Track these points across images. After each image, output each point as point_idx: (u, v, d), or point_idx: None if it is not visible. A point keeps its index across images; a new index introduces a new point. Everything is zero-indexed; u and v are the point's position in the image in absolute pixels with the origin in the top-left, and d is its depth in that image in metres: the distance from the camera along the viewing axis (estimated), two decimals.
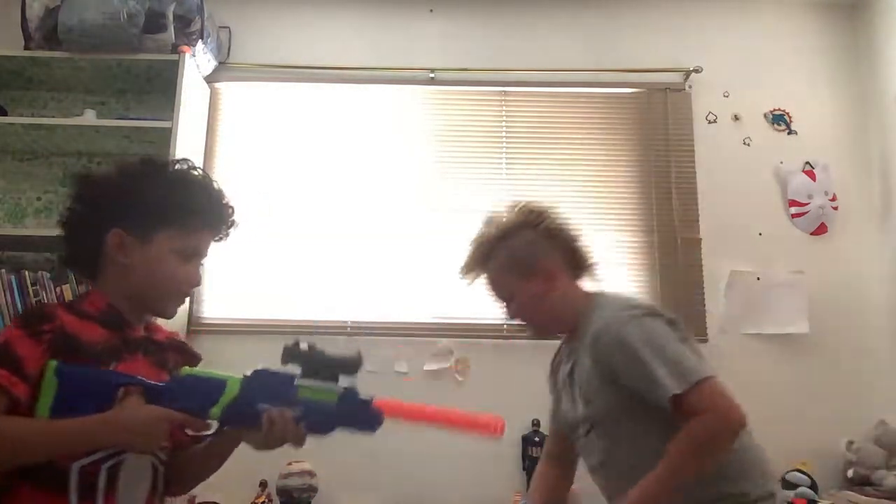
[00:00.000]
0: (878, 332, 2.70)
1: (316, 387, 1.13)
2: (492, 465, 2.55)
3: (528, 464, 2.52)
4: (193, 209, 1.19)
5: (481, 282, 1.57)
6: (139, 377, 1.10)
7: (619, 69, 2.86)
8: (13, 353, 1.03)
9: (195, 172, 1.24)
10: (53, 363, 1.05)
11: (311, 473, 2.37)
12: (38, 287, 2.30)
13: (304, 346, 1.14)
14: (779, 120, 2.88)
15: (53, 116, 2.70)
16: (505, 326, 2.66)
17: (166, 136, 2.44)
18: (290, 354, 1.14)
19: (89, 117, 2.57)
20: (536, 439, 2.51)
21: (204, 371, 1.14)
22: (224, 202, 1.24)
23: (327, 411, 1.12)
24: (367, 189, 2.79)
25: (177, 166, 1.23)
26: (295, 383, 1.13)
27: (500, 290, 1.55)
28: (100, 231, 1.16)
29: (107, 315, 1.15)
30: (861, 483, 2.40)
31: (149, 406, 1.07)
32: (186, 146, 2.52)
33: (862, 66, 2.92)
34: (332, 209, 2.76)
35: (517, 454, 2.55)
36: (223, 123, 2.86)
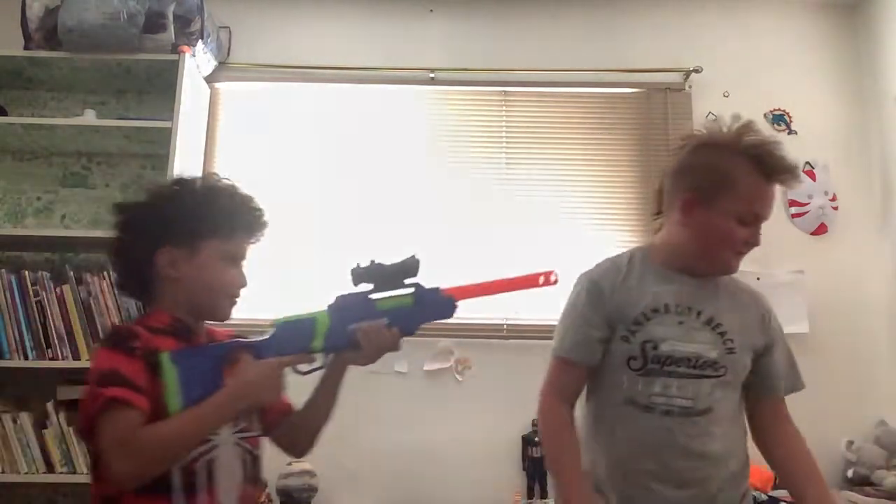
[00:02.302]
0: (878, 332, 2.70)
1: (390, 296, 1.26)
2: (492, 465, 2.56)
3: (528, 464, 2.52)
4: (231, 217, 1.28)
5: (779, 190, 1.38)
6: (237, 340, 1.24)
7: (619, 69, 2.86)
8: (120, 373, 1.10)
9: (224, 182, 1.32)
10: (166, 354, 1.14)
11: (311, 473, 2.37)
12: (37, 287, 2.30)
13: (365, 264, 1.26)
14: (779, 120, 2.88)
15: (53, 116, 2.70)
16: (505, 326, 2.66)
17: (166, 136, 2.44)
18: (359, 275, 1.26)
19: (89, 117, 2.57)
20: (536, 439, 2.51)
21: (291, 315, 1.25)
22: (255, 207, 1.32)
23: (408, 313, 1.25)
24: (367, 189, 2.79)
25: (205, 180, 1.32)
26: (372, 297, 1.26)
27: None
28: (148, 253, 1.24)
29: (174, 327, 1.23)
30: (861, 483, 2.40)
31: (261, 361, 1.19)
32: (186, 146, 2.52)
33: (862, 66, 2.92)
34: (331, 209, 2.76)
35: (517, 454, 2.55)
36: (223, 123, 2.86)
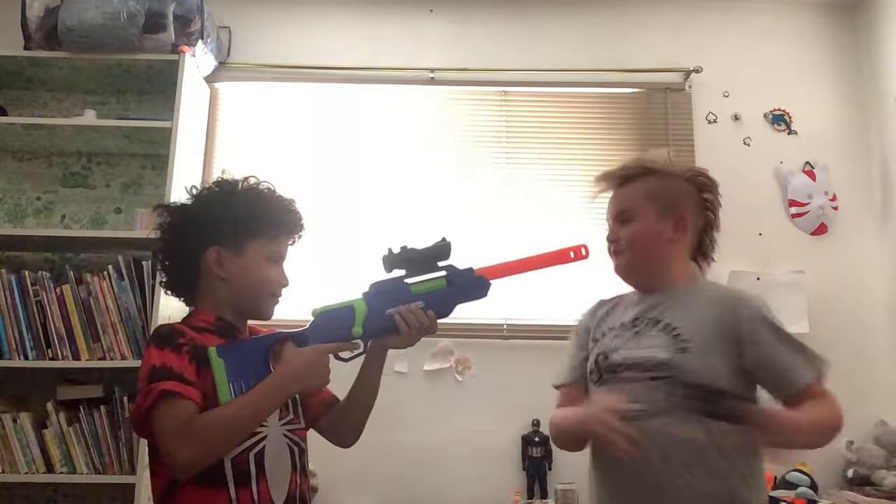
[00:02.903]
0: (878, 332, 2.70)
1: (424, 280, 1.29)
2: (492, 465, 2.56)
3: (528, 464, 2.52)
4: (274, 218, 1.31)
5: (605, 197, 1.54)
6: (280, 331, 1.27)
7: (619, 69, 2.86)
8: (171, 368, 1.14)
9: (265, 184, 1.35)
10: (213, 348, 1.18)
11: (311, 473, 2.37)
12: (38, 287, 2.30)
13: (396, 250, 1.29)
14: (779, 120, 2.88)
15: (53, 116, 2.70)
16: (505, 326, 2.66)
17: (166, 136, 2.44)
18: (391, 261, 1.29)
19: (89, 117, 2.57)
20: (536, 439, 2.51)
21: (330, 304, 1.29)
22: (296, 209, 1.36)
23: (443, 295, 1.29)
24: (367, 189, 2.79)
25: (247, 182, 1.34)
26: (406, 282, 1.29)
27: (626, 209, 1.50)
28: (195, 253, 1.27)
29: (218, 326, 1.27)
30: (861, 483, 2.40)
31: (305, 349, 1.23)
32: (186, 146, 2.52)
33: (862, 66, 2.92)
34: (331, 209, 2.75)
35: (517, 454, 2.55)
36: (223, 123, 2.86)
